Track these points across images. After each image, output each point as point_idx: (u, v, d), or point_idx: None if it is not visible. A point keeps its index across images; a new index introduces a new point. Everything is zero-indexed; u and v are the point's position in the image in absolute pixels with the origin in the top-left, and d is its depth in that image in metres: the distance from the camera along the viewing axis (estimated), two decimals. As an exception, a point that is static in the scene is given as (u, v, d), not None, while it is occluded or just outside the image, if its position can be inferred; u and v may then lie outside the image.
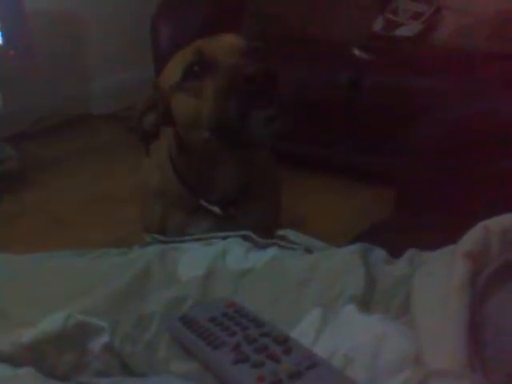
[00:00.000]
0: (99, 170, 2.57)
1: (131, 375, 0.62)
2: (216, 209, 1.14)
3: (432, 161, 1.23)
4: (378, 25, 2.50)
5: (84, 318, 0.64)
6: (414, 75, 2.11)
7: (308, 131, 2.36)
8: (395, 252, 0.74)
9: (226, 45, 1.04)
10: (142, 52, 2.86)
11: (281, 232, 0.84)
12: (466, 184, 1.17)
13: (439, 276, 0.60)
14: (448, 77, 1.95)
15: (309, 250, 0.78)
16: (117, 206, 2.23)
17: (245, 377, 0.52)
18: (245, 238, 0.82)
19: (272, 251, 0.76)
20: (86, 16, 3.08)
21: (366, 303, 0.63)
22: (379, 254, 0.74)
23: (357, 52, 2.28)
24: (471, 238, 0.61)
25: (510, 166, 1.15)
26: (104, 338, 0.63)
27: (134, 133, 1.16)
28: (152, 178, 1.22)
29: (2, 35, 2.39)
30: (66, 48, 3.03)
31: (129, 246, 0.85)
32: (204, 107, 1.01)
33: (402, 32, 2.43)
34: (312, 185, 2.32)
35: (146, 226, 1.25)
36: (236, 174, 1.13)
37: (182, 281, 0.72)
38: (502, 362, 0.50)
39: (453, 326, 0.53)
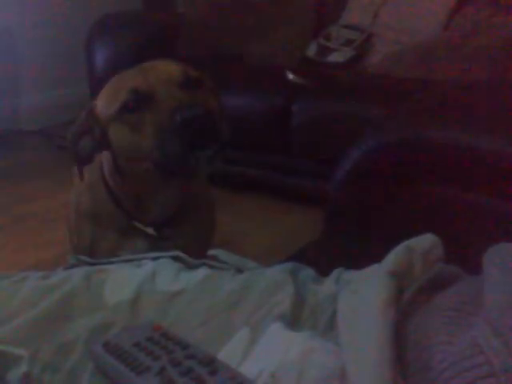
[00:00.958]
0: (26, 187, 2.50)
1: None
2: (150, 230, 1.14)
3: (359, 185, 1.26)
4: (311, 50, 2.57)
5: (2, 347, 0.62)
6: (345, 101, 2.17)
7: (244, 153, 2.38)
8: (324, 271, 0.76)
9: (162, 75, 1.04)
10: (76, 69, 2.82)
11: (212, 252, 0.84)
12: (392, 208, 1.20)
13: (364, 294, 0.61)
14: (378, 103, 2.02)
15: (239, 270, 0.78)
16: (42, 226, 2.17)
17: None
18: (175, 258, 0.81)
19: (203, 271, 0.76)
20: (19, 30, 3.02)
21: (293, 321, 0.64)
22: (308, 273, 0.75)
23: (290, 76, 2.32)
24: (395, 257, 0.63)
25: (432, 190, 1.20)
26: (22, 368, 0.60)
27: (65, 152, 1.14)
28: (83, 197, 1.20)
29: None
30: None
31: (52, 269, 0.82)
32: (143, 141, 1.01)
33: (333, 58, 2.50)
34: (247, 205, 2.34)
35: (76, 249, 1.22)
36: (171, 197, 1.13)
37: (108, 305, 0.70)
38: (420, 378, 0.51)
39: (376, 342, 0.53)
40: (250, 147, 2.35)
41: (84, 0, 3.14)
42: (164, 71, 1.05)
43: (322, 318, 0.65)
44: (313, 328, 0.64)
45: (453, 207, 1.15)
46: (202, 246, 1.19)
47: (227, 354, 0.60)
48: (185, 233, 1.16)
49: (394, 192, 1.17)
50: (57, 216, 2.14)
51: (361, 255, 0.74)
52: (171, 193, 1.12)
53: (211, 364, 0.55)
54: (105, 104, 1.07)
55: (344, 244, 1.10)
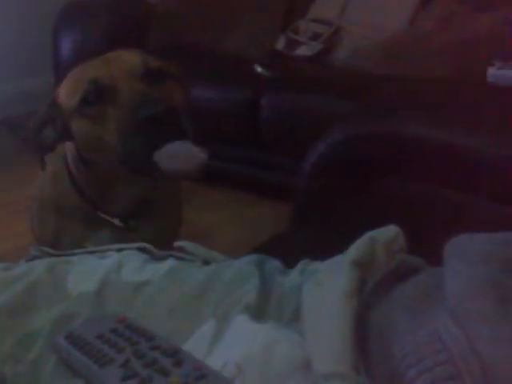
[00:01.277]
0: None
1: None
2: (116, 221, 1.13)
3: (325, 177, 1.28)
4: (279, 43, 2.57)
5: None
6: (314, 95, 2.19)
7: (210, 146, 2.36)
8: (290, 263, 0.77)
9: (124, 67, 1.03)
10: (41, 58, 2.77)
11: (179, 243, 0.84)
12: (357, 200, 1.22)
13: (328, 285, 0.62)
14: (344, 97, 2.03)
15: (206, 262, 0.78)
16: (4, 218, 2.14)
17: None
18: (141, 250, 0.80)
19: (169, 263, 0.75)
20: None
21: (259, 313, 0.64)
22: (274, 264, 0.75)
23: (259, 69, 2.33)
24: (358, 247, 0.64)
25: (396, 183, 1.22)
26: None
27: (29, 143, 1.13)
28: (46, 188, 1.18)
29: None
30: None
31: (14, 261, 0.81)
32: (106, 135, 1.00)
33: (301, 51, 2.51)
34: (214, 198, 2.34)
35: (39, 240, 1.21)
36: (137, 188, 1.12)
37: (72, 296, 0.69)
38: (383, 367, 0.52)
39: (339, 332, 0.54)
40: (219, 140, 2.34)
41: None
42: (126, 63, 1.04)
43: (287, 309, 0.65)
44: (278, 319, 0.64)
45: (416, 199, 1.17)
46: (168, 237, 1.19)
47: (193, 346, 0.60)
48: (151, 224, 1.16)
49: (358, 185, 1.19)
50: (20, 208, 2.09)
51: (326, 247, 0.75)
52: (136, 184, 1.11)
53: (175, 355, 0.55)
54: (66, 94, 1.06)
55: (310, 236, 1.12)
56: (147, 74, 1.03)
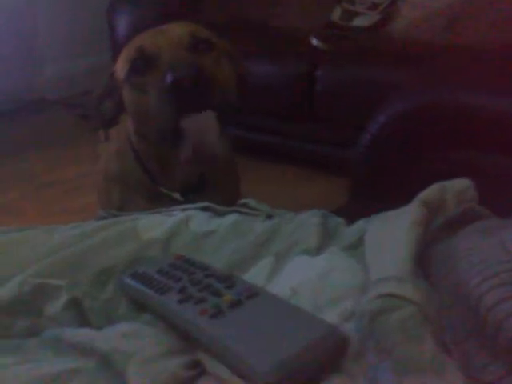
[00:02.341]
0: (47, 157, 2.51)
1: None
2: (177, 195, 1.14)
3: (386, 149, 1.25)
4: (335, 14, 2.52)
5: (40, 280, 0.64)
6: (371, 66, 2.15)
7: (266, 121, 2.36)
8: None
9: (170, 36, 1.03)
10: (99, 37, 2.81)
11: (242, 201, 0.85)
12: (418, 173, 1.19)
13: (393, 221, 0.62)
14: (404, 68, 1.98)
15: (270, 216, 0.79)
16: (63, 195, 2.19)
17: (189, 313, 0.55)
18: (205, 209, 0.82)
19: (234, 216, 0.77)
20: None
21: (318, 251, 0.65)
22: (338, 219, 0.76)
23: (314, 42, 2.29)
24: (428, 192, 0.64)
25: (460, 156, 1.18)
26: (62, 298, 0.63)
27: (88, 120, 1.15)
28: (112, 164, 1.21)
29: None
30: (18, 31, 2.95)
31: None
32: (148, 104, 1.00)
33: (358, 22, 2.45)
34: (269, 173, 2.34)
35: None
36: (196, 165, 1.12)
37: (142, 239, 0.72)
38: (446, 280, 0.52)
39: (401, 247, 0.55)
40: (273, 114, 2.33)
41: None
42: (173, 33, 1.04)
43: (348, 240, 0.67)
44: (338, 250, 0.65)
45: (482, 170, 1.13)
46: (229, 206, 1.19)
47: (250, 277, 0.63)
48: (210, 198, 1.16)
49: (419, 156, 1.16)
50: (78, 185, 2.16)
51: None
52: (195, 157, 1.11)
53: (228, 280, 0.59)
54: (120, 66, 1.08)
55: (370, 209, 1.09)
56: (193, 44, 1.03)
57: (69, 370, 0.52)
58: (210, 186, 1.17)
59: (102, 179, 1.25)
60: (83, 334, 0.57)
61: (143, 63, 1.01)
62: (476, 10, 2.28)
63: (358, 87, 2.12)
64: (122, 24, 2.58)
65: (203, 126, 0.98)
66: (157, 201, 1.15)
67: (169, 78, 0.94)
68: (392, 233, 0.59)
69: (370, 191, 1.27)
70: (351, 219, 0.75)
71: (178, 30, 1.05)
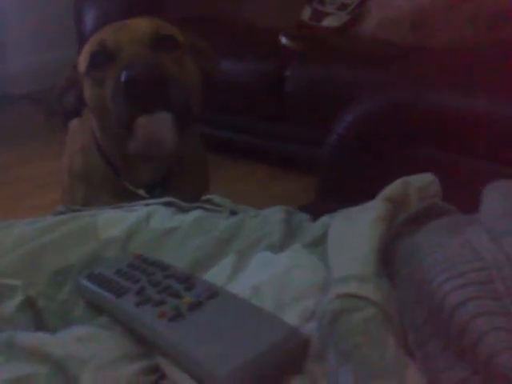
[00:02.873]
0: (14, 152, 2.46)
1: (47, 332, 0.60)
2: (141, 191, 1.13)
3: (353, 148, 1.25)
4: (305, 14, 2.52)
5: None
6: (340, 66, 2.15)
7: (233, 119, 2.36)
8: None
9: (132, 32, 1.01)
10: (66, 31, 2.76)
11: (206, 197, 0.84)
12: (384, 172, 1.20)
13: (356, 217, 0.61)
14: (372, 68, 1.99)
15: (234, 213, 0.78)
16: (30, 191, 2.15)
17: (146, 316, 0.53)
18: (168, 204, 0.81)
19: (197, 212, 0.76)
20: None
21: (281, 248, 0.64)
22: (302, 215, 0.75)
23: (284, 40, 2.29)
24: (392, 187, 0.63)
25: (424, 155, 1.19)
26: (17, 299, 0.61)
27: (51, 115, 1.13)
28: (76, 159, 1.19)
29: None
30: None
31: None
32: (105, 99, 0.98)
33: (328, 22, 2.46)
34: (239, 171, 2.33)
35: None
36: (160, 159, 1.11)
37: (100, 239, 0.70)
38: (410, 278, 0.51)
39: (364, 244, 0.54)
40: (242, 113, 2.32)
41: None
42: (135, 28, 1.02)
43: (310, 237, 0.66)
44: (298, 246, 0.64)
45: (445, 170, 1.14)
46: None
47: (213, 275, 0.62)
48: (177, 194, 1.15)
49: (386, 155, 1.16)
50: (46, 181, 2.12)
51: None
52: (158, 153, 1.09)
53: (188, 280, 0.57)
54: (82, 59, 1.06)
55: (336, 208, 1.09)
56: (156, 41, 1.01)
57: (22, 376, 0.50)
58: (177, 182, 1.16)
59: (65, 176, 1.22)
60: (37, 338, 0.55)
61: (103, 58, 1.00)
62: (443, 11, 2.31)
63: (327, 87, 2.12)
64: (89, 18, 2.54)
65: (156, 126, 0.96)
66: (122, 197, 1.12)
67: (124, 76, 0.92)
68: (355, 229, 0.58)
69: (337, 190, 1.28)
70: (317, 217, 0.75)
71: (141, 26, 1.03)
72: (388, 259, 0.55)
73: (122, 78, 0.92)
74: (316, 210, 1.15)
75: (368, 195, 1.18)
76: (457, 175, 1.13)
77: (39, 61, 3.08)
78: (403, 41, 2.22)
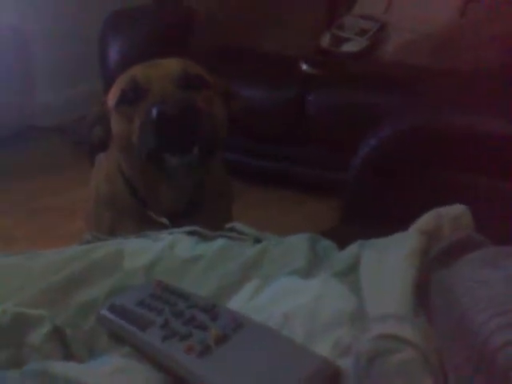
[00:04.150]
0: (40, 183, 2.50)
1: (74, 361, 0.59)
2: (164, 220, 1.14)
3: (377, 172, 1.26)
4: (324, 40, 2.55)
5: (22, 310, 0.62)
6: (360, 90, 2.16)
7: (257, 144, 2.38)
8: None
9: (162, 71, 1.04)
10: (90, 66, 2.83)
11: (230, 224, 0.84)
12: (410, 194, 1.20)
13: (390, 250, 0.61)
14: (392, 92, 2.00)
15: (258, 240, 0.78)
16: (56, 221, 2.18)
17: (174, 351, 0.52)
18: (192, 233, 0.81)
19: (221, 241, 0.76)
20: (32, 28, 3.03)
21: (308, 274, 0.64)
22: (328, 242, 0.74)
23: (304, 67, 2.31)
24: (424, 219, 0.63)
25: (450, 176, 1.19)
26: (45, 327, 0.60)
27: (79, 146, 1.17)
28: (102, 187, 1.21)
29: None
30: (12, 58, 2.97)
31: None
32: (133, 132, 1.01)
33: (347, 48, 2.48)
34: (262, 196, 2.34)
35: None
36: (183, 188, 1.13)
37: (126, 268, 0.70)
38: (448, 315, 0.50)
39: (400, 282, 0.53)
40: (265, 138, 2.34)
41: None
42: (165, 67, 1.05)
43: (340, 266, 0.65)
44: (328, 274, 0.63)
45: (469, 191, 1.14)
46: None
47: (235, 301, 0.61)
48: (200, 224, 1.16)
49: (410, 178, 1.17)
50: (71, 211, 2.15)
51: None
52: (181, 183, 1.11)
53: (212, 310, 0.56)
54: (112, 94, 1.09)
55: (362, 230, 1.10)
56: (184, 80, 1.04)
57: None
58: (200, 213, 1.17)
59: (91, 203, 1.25)
60: (71, 368, 0.55)
61: (134, 93, 1.03)
62: (464, 33, 2.32)
63: (348, 111, 2.13)
64: (113, 53, 2.60)
65: (186, 166, 0.99)
66: (146, 225, 1.14)
67: (155, 111, 0.95)
68: (390, 263, 0.57)
69: (361, 213, 1.28)
70: (342, 242, 0.74)
71: (171, 65, 1.06)
72: (423, 295, 0.54)
73: (153, 114, 0.94)
74: (340, 234, 1.15)
75: (391, 219, 1.18)
76: (484, 198, 1.13)
77: (66, 94, 3.15)
78: (422, 64, 2.23)
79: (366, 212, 1.26)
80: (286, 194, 2.33)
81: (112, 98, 1.09)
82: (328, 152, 2.20)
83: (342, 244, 0.76)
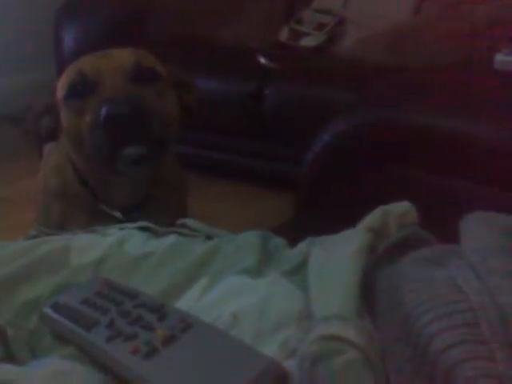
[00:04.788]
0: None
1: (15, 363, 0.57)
2: (117, 213, 1.12)
3: (329, 167, 1.27)
4: (283, 34, 2.55)
5: None
6: (318, 85, 2.17)
7: (217, 138, 2.37)
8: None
9: (113, 63, 1.02)
10: (43, 53, 2.76)
11: (182, 221, 0.83)
12: (362, 189, 1.21)
13: (337, 248, 0.61)
14: (349, 88, 2.02)
15: (209, 237, 0.77)
16: (9, 210, 2.13)
17: (119, 352, 0.51)
18: (143, 229, 0.80)
19: (172, 237, 0.75)
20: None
21: (258, 273, 0.64)
22: (278, 240, 0.74)
23: (262, 60, 2.31)
24: (371, 217, 0.63)
25: (404, 171, 1.21)
26: None
27: (29, 135, 1.14)
28: (51, 178, 1.18)
29: None
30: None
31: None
32: (83, 127, 0.99)
33: (305, 42, 2.49)
34: (218, 190, 2.33)
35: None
36: (135, 182, 1.11)
37: (72, 266, 0.69)
38: (392, 314, 0.51)
39: (344, 280, 0.54)
40: (222, 132, 2.33)
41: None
42: (116, 59, 1.03)
43: (288, 265, 0.65)
44: (277, 273, 0.63)
45: (422, 189, 1.16)
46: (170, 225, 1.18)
47: (184, 301, 0.61)
48: (154, 218, 1.14)
49: (362, 173, 1.18)
50: (26, 200, 2.10)
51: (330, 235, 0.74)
52: (133, 178, 1.10)
53: (160, 310, 0.55)
54: (60, 86, 1.06)
55: (314, 225, 1.11)
56: (135, 72, 1.02)
57: None
58: (153, 206, 1.15)
59: (40, 195, 1.22)
60: (8, 370, 0.52)
61: (82, 87, 1.01)
62: (419, 30, 2.35)
63: (305, 105, 2.14)
64: (68, 40, 2.54)
65: (134, 158, 0.98)
66: (98, 218, 1.12)
67: (103, 112, 0.93)
68: (335, 261, 0.58)
69: (314, 207, 1.29)
70: (295, 235, 0.75)
71: (123, 57, 1.04)
72: (368, 292, 0.54)
73: (102, 114, 0.93)
74: (294, 228, 1.16)
75: (344, 213, 1.20)
76: (430, 194, 1.15)
77: (17, 81, 3.07)
78: (379, 60, 2.26)
79: (319, 206, 1.27)
80: (245, 188, 2.33)
81: (61, 89, 1.06)
82: (286, 146, 2.20)
83: (294, 240, 0.76)
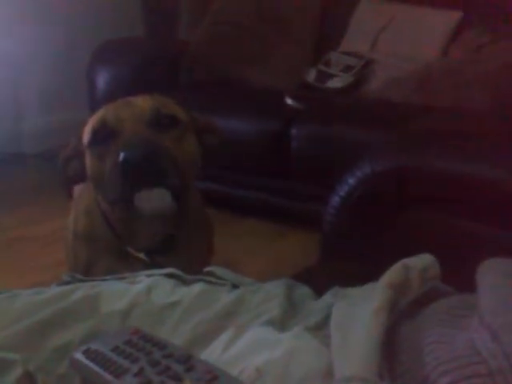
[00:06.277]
0: (26, 211, 2.49)
1: None
2: (142, 256, 1.14)
3: (354, 211, 1.27)
4: (310, 76, 2.59)
5: None
6: (344, 126, 2.19)
7: (243, 176, 2.39)
8: (320, 295, 0.76)
9: (133, 111, 1.07)
10: (78, 94, 2.84)
11: (208, 268, 0.84)
12: (387, 233, 1.21)
13: (360, 305, 0.62)
14: (376, 129, 2.03)
15: (236, 286, 0.78)
16: (40, 250, 2.16)
17: None
18: (170, 276, 0.81)
19: (199, 286, 0.76)
20: (21, 56, 3.05)
21: (282, 325, 0.64)
22: (304, 289, 0.75)
23: (289, 101, 2.34)
24: (392, 272, 0.64)
25: (431, 217, 1.20)
26: (16, 373, 0.60)
27: (60, 175, 1.18)
28: (80, 220, 1.21)
29: None
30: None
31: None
32: (104, 172, 1.04)
33: (332, 83, 2.52)
34: (242, 228, 2.34)
35: (73, 271, 1.23)
36: (160, 225, 1.13)
37: (102, 313, 0.70)
38: (412, 375, 0.51)
39: (366, 340, 0.54)
40: (248, 171, 2.36)
41: (86, 26, 3.18)
42: (136, 107, 1.08)
43: (312, 321, 0.65)
44: (301, 328, 0.64)
45: (448, 234, 1.15)
46: (196, 271, 1.19)
47: (209, 352, 0.61)
48: (179, 259, 1.16)
49: (389, 218, 1.17)
50: (56, 239, 2.14)
51: (357, 280, 0.74)
52: (155, 221, 1.12)
53: (188, 361, 0.56)
54: (85, 132, 1.12)
55: (340, 269, 1.10)
56: (155, 120, 1.06)
57: None
58: (178, 248, 1.17)
59: (70, 236, 1.25)
60: None
61: (104, 134, 1.06)
62: (447, 72, 2.36)
63: (330, 146, 2.16)
64: (101, 83, 2.62)
65: (155, 203, 1.02)
66: (124, 260, 1.15)
67: (121, 156, 0.98)
68: (357, 319, 0.58)
69: (339, 251, 1.28)
70: (321, 281, 0.75)
71: (143, 104, 1.08)
72: (389, 350, 0.55)
73: (120, 159, 0.98)
74: (319, 273, 1.15)
75: (370, 257, 1.19)
76: (458, 240, 1.14)
77: (52, 121, 3.16)
78: (406, 101, 2.26)
79: (344, 250, 1.26)
80: (270, 226, 2.33)
81: (86, 135, 1.11)
82: (310, 185, 2.21)
83: (321, 284, 0.76)
